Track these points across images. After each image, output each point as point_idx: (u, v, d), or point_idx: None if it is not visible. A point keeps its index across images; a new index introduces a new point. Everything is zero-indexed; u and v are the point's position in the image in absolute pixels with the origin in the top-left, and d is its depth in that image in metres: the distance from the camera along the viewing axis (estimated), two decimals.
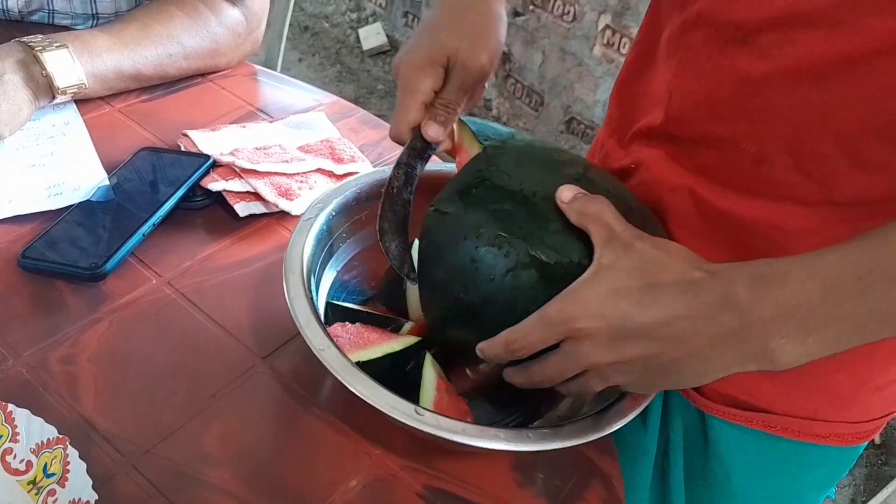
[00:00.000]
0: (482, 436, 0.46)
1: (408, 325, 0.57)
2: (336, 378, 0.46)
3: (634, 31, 2.11)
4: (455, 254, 0.48)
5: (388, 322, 0.56)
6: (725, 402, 0.60)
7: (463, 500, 0.50)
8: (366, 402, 0.46)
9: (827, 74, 0.46)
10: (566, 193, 0.47)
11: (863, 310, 0.40)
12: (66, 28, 0.84)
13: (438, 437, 0.46)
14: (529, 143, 0.54)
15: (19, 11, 0.83)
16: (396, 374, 0.50)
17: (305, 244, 0.55)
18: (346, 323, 0.53)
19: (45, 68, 0.68)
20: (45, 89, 0.69)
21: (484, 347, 0.48)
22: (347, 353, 0.48)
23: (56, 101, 0.71)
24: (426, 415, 0.46)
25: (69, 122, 0.73)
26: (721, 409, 0.60)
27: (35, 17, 0.85)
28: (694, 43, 0.53)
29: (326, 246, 0.59)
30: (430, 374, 0.52)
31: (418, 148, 0.55)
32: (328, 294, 0.59)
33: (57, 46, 0.69)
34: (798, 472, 0.63)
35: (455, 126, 0.56)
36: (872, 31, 0.43)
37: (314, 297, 0.53)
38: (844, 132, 0.47)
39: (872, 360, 0.56)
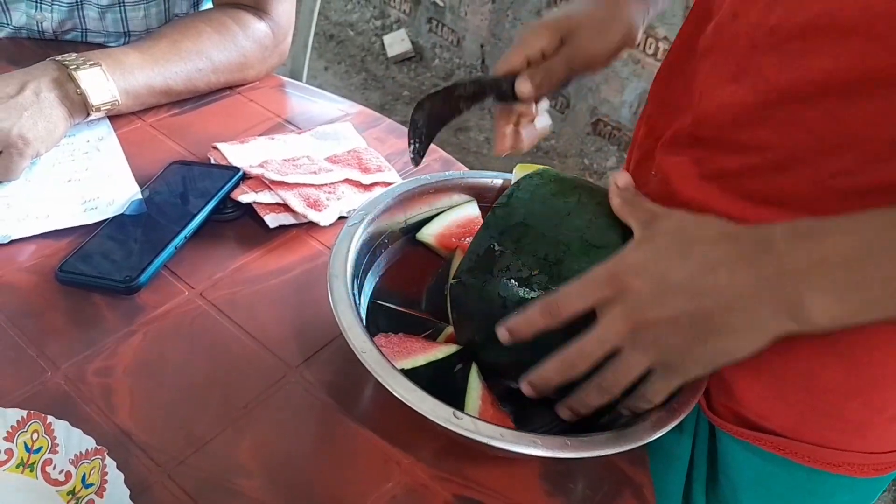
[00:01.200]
0: (521, 441, 0.46)
1: (447, 330, 0.57)
2: (370, 386, 0.47)
3: (660, 31, 2.09)
4: (482, 318, 0.50)
5: (429, 325, 0.56)
6: (735, 421, 0.59)
7: None
8: (397, 410, 0.47)
9: (855, 90, 0.45)
10: (622, 179, 0.51)
11: (893, 277, 0.39)
12: (99, 45, 0.86)
13: (477, 441, 0.46)
14: (534, 194, 0.53)
15: (53, 31, 0.86)
16: (440, 383, 0.50)
17: (350, 250, 0.56)
18: (390, 334, 0.53)
19: (79, 86, 0.70)
20: (79, 107, 0.71)
21: (514, 320, 0.48)
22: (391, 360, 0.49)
23: (90, 117, 0.73)
24: (465, 419, 0.46)
25: (103, 138, 0.75)
26: (729, 426, 0.59)
27: (69, 37, 0.87)
28: (725, 45, 0.52)
29: (369, 252, 0.59)
30: (475, 383, 0.53)
31: (501, 88, 0.57)
32: (371, 297, 0.60)
33: (91, 65, 0.71)
34: (811, 499, 0.60)
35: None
36: None
37: (357, 302, 0.53)
38: (868, 149, 0.46)
39: (889, 388, 0.54)
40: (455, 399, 0.49)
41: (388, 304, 0.60)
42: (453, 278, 0.53)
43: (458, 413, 0.46)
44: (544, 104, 0.65)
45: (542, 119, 0.66)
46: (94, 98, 0.71)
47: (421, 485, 0.51)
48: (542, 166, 0.59)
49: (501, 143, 0.64)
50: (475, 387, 0.52)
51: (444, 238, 0.63)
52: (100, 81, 0.71)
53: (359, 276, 0.57)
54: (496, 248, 0.50)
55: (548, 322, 0.47)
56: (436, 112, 0.55)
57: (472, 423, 0.46)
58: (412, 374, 0.48)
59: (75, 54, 0.72)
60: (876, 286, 0.40)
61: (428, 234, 0.64)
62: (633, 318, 0.44)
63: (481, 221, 0.63)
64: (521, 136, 0.63)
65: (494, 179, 0.65)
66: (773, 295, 0.42)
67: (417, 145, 0.55)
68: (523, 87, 0.57)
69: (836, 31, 0.45)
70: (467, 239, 0.62)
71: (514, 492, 0.51)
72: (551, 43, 0.57)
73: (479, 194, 0.65)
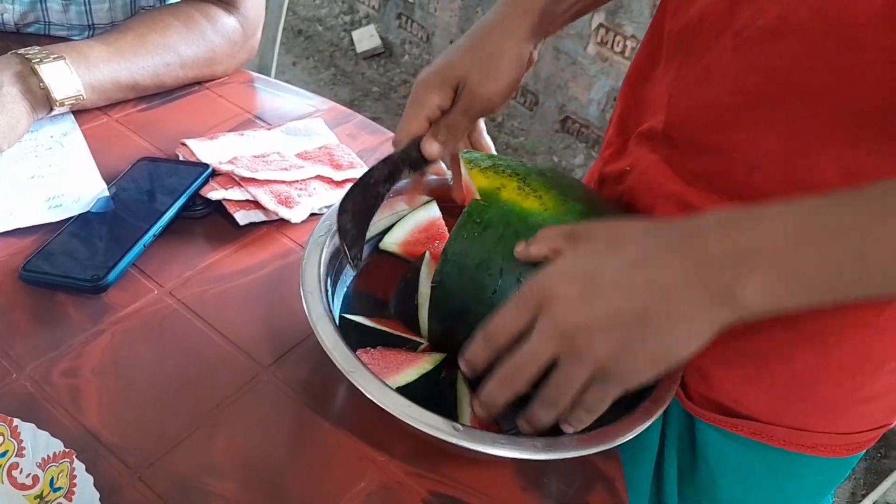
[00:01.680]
0: (519, 446, 0.47)
1: (422, 347, 0.57)
2: (343, 385, 0.46)
3: (628, 29, 2.11)
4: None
5: (403, 342, 0.56)
6: (711, 408, 0.60)
7: None
8: (371, 408, 0.47)
9: (818, 89, 0.46)
10: (519, 250, 0.49)
11: (829, 259, 0.40)
12: (63, 39, 0.84)
13: (478, 453, 0.46)
14: (462, 269, 0.52)
15: (15, 24, 0.83)
16: (429, 393, 0.50)
17: (320, 266, 0.54)
18: (369, 348, 0.52)
19: (42, 80, 0.68)
20: (42, 101, 0.69)
21: (464, 352, 0.47)
22: (381, 378, 0.49)
23: (54, 112, 0.71)
24: (463, 430, 0.46)
25: (67, 133, 0.73)
26: (707, 415, 0.60)
27: (31, 29, 0.85)
28: (694, 48, 0.53)
29: (336, 263, 0.58)
30: (463, 390, 0.53)
31: (412, 157, 0.56)
32: (340, 308, 0.59)
33: (54, 58, 0.69)
34: (786, 481, 0.62)
35: (463, 171, 0.57)
36: (863, 45, 0.43)
37: (336, 319, 0.53)
38: (836, 145, 0.47)
39: (860, 370, 0.56)
40: (444, 407, 0.49)
41: (356, 319, 0.59)
42: (432, 282, 0.53)
43: (457, 425, 0.46)
44: (487, 140, 0.65)
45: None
46: (58, 92, 0.70)
47: (396, 482, 0.51)
48: (481, 154, 0.58)
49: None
50: (463, 393, 0.53)
51: (409, 245, 0.63)
52: (64, 75, 0.70)
53: (329, 289, 0.57)
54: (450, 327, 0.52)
55: (491, 351, 0.46)
56: (359, 209, 0.54)
57: (470, 433, 0.46)
58: (405, 390, 0.48)
59: (38, 48, 0.70)
60: (803, 271, 0.40)
61: (392, 242, 0.63)
62: (563, 325, 0.43)
63: (443, 223, 0.63)
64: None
65: (450, 180, 0.65)
66: (705, 282, 0.41)
67: (355, 251, 0.54)
68: (430, 148, 0.55)
69: (795, 34, 0.46)
70: (438, 243, 0.62)
71: (489, 487, 0.51)
72: (445, 97, 0.56)
73: (438, 195, 0.65)
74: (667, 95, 0.56)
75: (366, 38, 2.84)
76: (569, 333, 0.43)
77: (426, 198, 0.65)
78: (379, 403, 0.47)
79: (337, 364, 0.48)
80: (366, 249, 0.62)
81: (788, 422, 0.58)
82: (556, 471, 0.54)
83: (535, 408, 0.47)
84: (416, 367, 0.51)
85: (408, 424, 0.46)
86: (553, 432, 0.49)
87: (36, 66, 0.68)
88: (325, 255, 0.55)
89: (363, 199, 0.54)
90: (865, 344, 0.55)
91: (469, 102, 0.56)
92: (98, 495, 0.43)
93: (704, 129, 0.53)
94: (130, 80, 0.76)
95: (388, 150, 0.80)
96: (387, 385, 0.48)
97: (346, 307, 0.60)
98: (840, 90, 0.46)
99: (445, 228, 0.63)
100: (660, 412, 0.52)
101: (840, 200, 0.41)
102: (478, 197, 0.53)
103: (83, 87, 0.72)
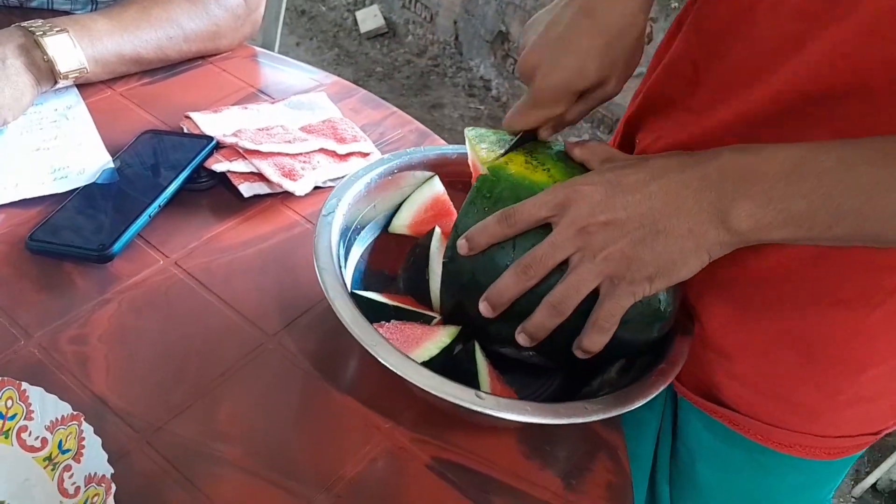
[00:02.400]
0: (545, 412, 0.47)
1: (435, 321, 0.57)
2: (348, 353, 0.46)
3: None
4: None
5: (416, 316, 0.56)
6: (694, 389, 0.60)
7: (471, 471, 0.51)
8: (376, 375, 0.47)
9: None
10: (568, 147, 0.54)
11: (820, 190, 0.42)
12: (66, 13, 0.84)
13: (504, 420, 0.46)
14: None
15: None
16: (449, 365, 0.51)
17: (331, 242, 0.54)
18: (384, 322, 0.52)
19: (46, 53, 0.68)
20: (46, 74, 0.69)
21: (472, 230, 0.49)
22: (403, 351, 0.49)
23: (58, 85, 0.71)
24: (487, 398, 0.46)
25: (71, 106, 0.73)
26: (689, 395, 0.60)
27: (34, 3, 0.84)
28: (712, 14, 0.53)
29: (345, 239, 0.59)
30: (481, 362, 0.53)
31: (524, 138, 0.57)
32: (351, 283, 0.59)
33: (57, 31, 0.69)
34: (764, 476, 0.62)
35: (468, 146, 0.57)
36: None
37: (350, 292, 0.53)
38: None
39: (843, 375, 0.55)
40: (463, 379, 0.49)
41: (368, 295, 0.59)
42: (444, 257, 0.53)
43: (481, 393, 0.47)
44: None
45: None
46: (62, 65, 0.70)
47: (400, 448, 0.51)
48: (487, 129, 0.58)
49: None
50: (482, 365, 0.53)
51: (418, 226, 0.62)
52: (67, 48, 0.70)
53: (341, 265, 0.56)
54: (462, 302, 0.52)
55: (503, 230, 0.48)
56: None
57: (496, 400, 0.47)
58: (428, 364, 0.48)
59: (42, 21, 0.70)
60: (796, 201, 0.42)
61: (401, 224, 0.63)
62: (585, 220, 0.46)
63: (448, 199, 0.63)
64: None
65: (454, 153, 0.65)
66: (711, 197, 0.44)
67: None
68: (546, 134, 0.57)
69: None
70: (446, 221, 0.62)
71: (492, 454, 0.52)
72: (571, 101, 0.55)
73: (440, 168, 0.65)
74: (690, 65, 0.56)
75: (369, 19, 2.83)
76: (587, 229, 0.46)
77: (428, 173, 0.65)
78: (403, 376, 0.46)
79: (358, 339, 0.48)
80: (374, 230, 0.63)
81: (766, 417, 0.58)
82: (559, 438, 0.54)
83: (540, 310, 0.47)
84: (436, 342, 0.51)
85: (433, 395, 0.46)
86: (551, 355, 0.51)
87: (40, 39, 0.68)
88: (334, 233, 0.56)
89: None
90: (850, 347, 0.54)
91: (595, 103, 0.56)
92: (106, 457, 0.43)
93: (711, 98, 0.53)
94: (134, 53, 0.76)
95: (391, 125, 0.81)
96: (409, 357, 0.48)
97: (355, 284, 0.60)
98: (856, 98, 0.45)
99: (451, 204, 0.63)
100: (676, 372, 0.52)
101: (833, 145, 0.43)
102: (485, 172, 0.53)
103: (87, 60, 0.71)
